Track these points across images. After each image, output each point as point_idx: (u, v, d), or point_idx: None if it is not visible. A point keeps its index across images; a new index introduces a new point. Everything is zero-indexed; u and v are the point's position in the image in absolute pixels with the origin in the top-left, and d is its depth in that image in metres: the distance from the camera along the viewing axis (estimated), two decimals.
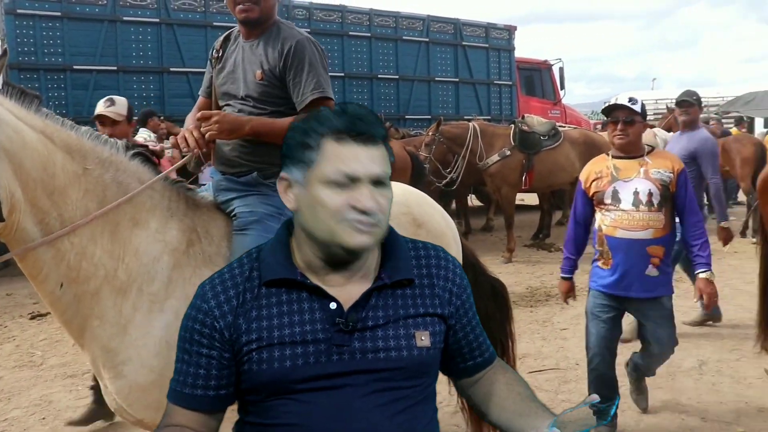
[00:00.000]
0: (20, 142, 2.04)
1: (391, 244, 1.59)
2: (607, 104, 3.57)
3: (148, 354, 2.25)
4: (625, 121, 3.58)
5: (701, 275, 3.65)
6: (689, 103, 5.78)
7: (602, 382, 3.80)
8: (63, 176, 2.16)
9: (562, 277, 4.03)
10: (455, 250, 3.15)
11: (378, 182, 1.46)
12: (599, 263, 3.75)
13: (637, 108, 3.57)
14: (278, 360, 1.46)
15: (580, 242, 3.93)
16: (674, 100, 5.59)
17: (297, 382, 1.46)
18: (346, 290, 1.52)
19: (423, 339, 1.53)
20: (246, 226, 2.51)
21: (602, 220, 3.69)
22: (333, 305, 1.49)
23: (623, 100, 3.61)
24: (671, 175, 3.60)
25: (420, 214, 3.05)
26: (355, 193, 1.43)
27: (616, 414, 3.68)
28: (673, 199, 3.61)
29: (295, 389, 1.47)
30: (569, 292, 4.03)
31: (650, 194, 3.55)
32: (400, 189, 3.18)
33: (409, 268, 1.58)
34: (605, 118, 3.77)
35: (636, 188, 3.58)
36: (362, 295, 1.51)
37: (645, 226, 3.56)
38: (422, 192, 3.43)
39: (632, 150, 3.67)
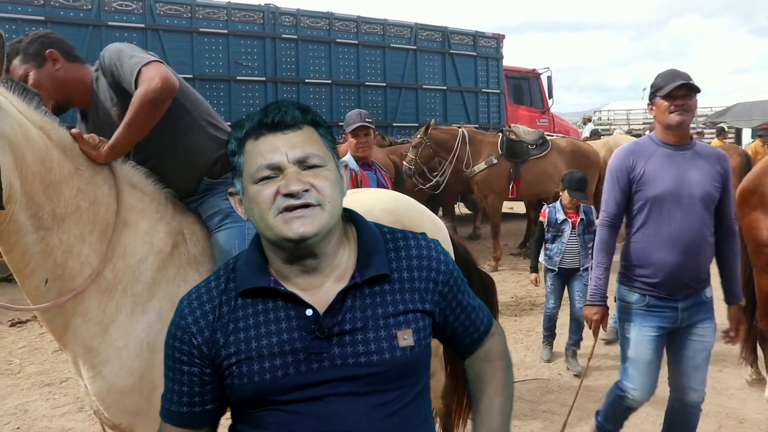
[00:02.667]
0: (23, 134, 2.06)
1: (364, 240, 1.54)
2: None
3: (129, 355, 2.26)
4: None
5: None
6: None
7: None
8: (59, 172, 2.18)
9: None
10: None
11: (307, 165, 1.43)
12: None
13: None
14: (258, 374, 1.42)
15: None
16: None
17: (278, 394, 1.42)
18: (322, 294, 1.47)
19: (406, 338, 1.46)
20: (219, 224, 2.54)
21: None
22: (309, 312, 1.44)
23: None
24: None
25: (409, 220, 3.06)
26: (283, 181, 1.41)
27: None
28: None
29: (278, 401, 1.43)
30: None
31: None
32: (388, 195, 3.21)
33: (383, 263, 1.50)
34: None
35: None
36: (335, 297, 1.45)
37: None
38: (411, 198, 3.42)
39: None
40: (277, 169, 1.41)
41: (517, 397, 4.67)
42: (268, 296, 1.48)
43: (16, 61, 2.49)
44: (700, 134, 19.09)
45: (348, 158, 4.41)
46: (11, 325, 6.70)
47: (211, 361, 1.47)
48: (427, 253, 1.58)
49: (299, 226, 1.39)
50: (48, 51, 2.52)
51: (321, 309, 1.45)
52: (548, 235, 5.44)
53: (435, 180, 9.91)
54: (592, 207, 5.55)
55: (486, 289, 3.52)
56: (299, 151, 1.43)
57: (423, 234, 1.64)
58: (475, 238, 11.95)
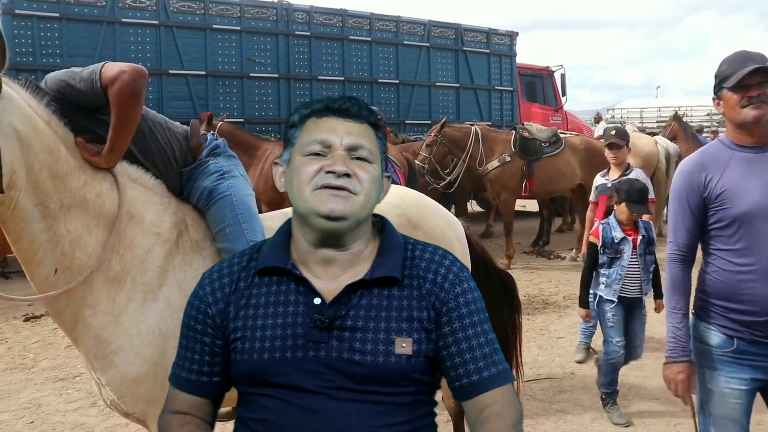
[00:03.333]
0: (31, 126, 2.12)
1: (385, 244, 1.56)
2: None
3: (141, 342, 2.30)
4: None
5: None
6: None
7: None
8: (66, 164, 2.23)
9: None
10: (459, 251, 3.11)
11: (357, 155, 1.49)
12: None
13: None
14: (258, 352, 1.47)
15: None
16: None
17: (274, 375, 1.46)
18: (335, 286, 1.50)
19: (404, 346, 1.45)
20: (207, 202, 2.59)
21: None
22: (317, 300, 1.47)
23: None
24: None
25: (416, 215, 3.04)
26: (330, 160, 1.47)
27: None
28: None
29: (274, 383, 1.46)
30: None
31: None
32: (396, 191, 3.18)
33: (396, 267, 1.51)
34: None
35: None
36: (341, 291, 1.48)
37: None
38: (420, 193, 3.39)
39: None
40: (328, 148, 1.48)
41: (529, 396, 4.68)
42: (283, 278, 1.52)
43: None
44: (715, 133, 18.92)
45: None
46: (25, 320, 6.74)
47: (222, 333, 1.53)
48: (436, 268, 1.54)
49: (333, 203, 1.43)
50: None
51: (329, 300, 1.48)
52: (604, 258, 4.47)
53: (448, 179, 9.89)
54: (651, 222, 4.75)
55: (506, 287, 3.49)
56: (354, 139, 1.49)
57: (445, 251, 1.61)
58: (487, 236, 11.92)
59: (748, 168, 2.45)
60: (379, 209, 1.60)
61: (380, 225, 1.62)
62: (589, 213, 6.19)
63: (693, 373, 2.58)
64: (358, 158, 1.48)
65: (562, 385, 4.97)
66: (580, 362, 5.45)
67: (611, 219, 4.52)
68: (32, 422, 4.39)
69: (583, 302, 4.58)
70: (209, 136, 2.77)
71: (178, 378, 1.59)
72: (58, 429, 4.30)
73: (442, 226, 3.13)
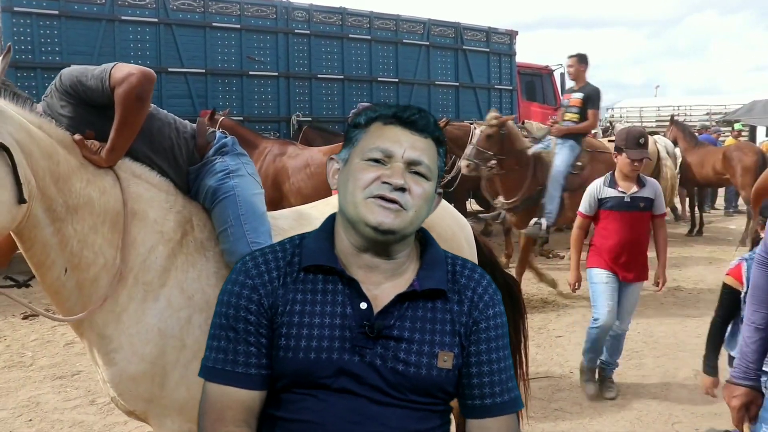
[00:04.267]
0: (26, 133, 2.11)
1: (429, 256, 1.58)
2: None
3: (140, 342, 2.31)
4: None
5: None
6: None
7: None
8: (66, 166, 2.24)
9: None
10: (467, 252, 3.11)
11: (415, 170, 1.48)
12: None
13: None
14: (303, 350, 1.45)
15: None
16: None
17: (317, 376, 1.45)
18: (379, 293, 1.50)
19: (446, 360, 1.49)
20: (212, 201, 2.58)
21: None
22: (364, 305, 1.48)
23: None
24: None
25: (430, 216, 3.03)
26: (388, 170, 1.45)
27: None
28: None
29: (316, 384, 1.45)
30: None
31: None
32: None
33: (443, 280, 1.54)
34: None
35: None
36: (391, 300, 1.49)
37: None
38: None
39: None
40: (389, 158, 1.47)
41: (528, 395, 4.67)
42: (329, 278, 1.51)
43: None
44: (717, 133, 18.96)
45: None
46: (23, 318, 6.73)
47: (270, 324, 1.49)
48: (474, 286, 1.58)
49: (382, 216, 1.43)
50: None
51: (375, 306, 1.48)
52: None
53: (448, 177, 9.87)
54: None
55: (510, 290, 3.48)
56: (416, 154, 1.48)
57: (482, 270, 1.65)
58: (486, 235, 11.88)
59: None
60: None
61: (421, 236, 1.63)
62: (576, 230, 4.82)
63: (753, 402, 2.16)
64: (417, 173, 1.48)
65: (560, 384, 4.98)
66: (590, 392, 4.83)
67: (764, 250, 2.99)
68: (30, 420, 4.40)
69: (709, 367, 3.25)
70: (218, 134, 2.75)
71: (232, 375, 1.47)
72: (56, 427, 4.30)
73: (453, 228, 3.14)
